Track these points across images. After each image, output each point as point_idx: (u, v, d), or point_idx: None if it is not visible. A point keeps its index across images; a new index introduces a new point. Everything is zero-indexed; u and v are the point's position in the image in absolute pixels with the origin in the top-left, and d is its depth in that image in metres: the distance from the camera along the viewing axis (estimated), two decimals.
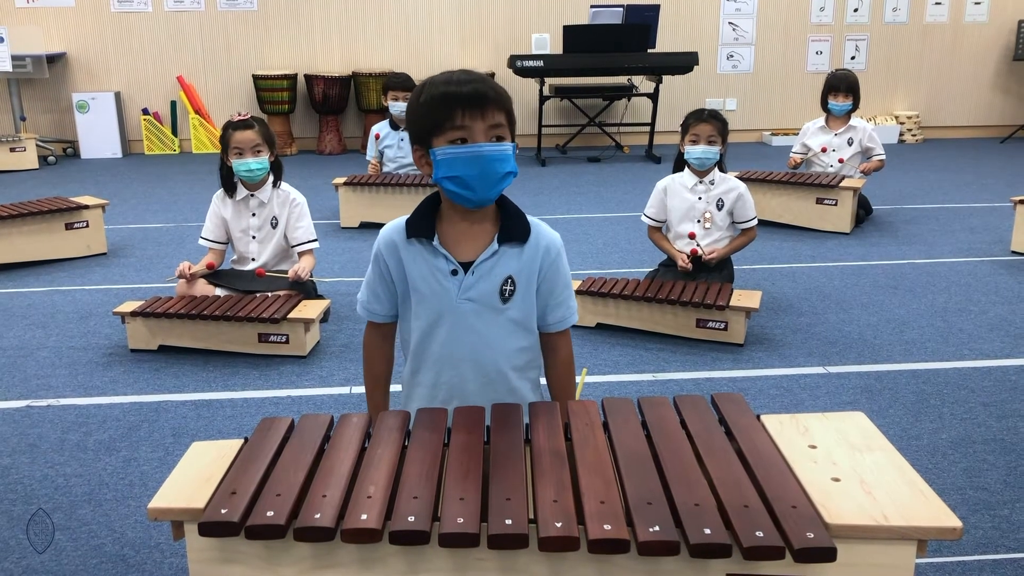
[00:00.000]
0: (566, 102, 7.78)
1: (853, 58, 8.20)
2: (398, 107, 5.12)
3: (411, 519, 1.16)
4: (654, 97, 7.33)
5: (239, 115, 3.52)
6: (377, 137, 5.25)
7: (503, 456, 1.31)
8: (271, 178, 3.54)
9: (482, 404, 1.55)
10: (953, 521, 1.16)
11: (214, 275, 3.53)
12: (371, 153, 5.29)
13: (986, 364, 3.13)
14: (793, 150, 5.31)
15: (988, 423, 2.68)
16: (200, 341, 3.25)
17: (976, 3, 8.20)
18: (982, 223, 5.11)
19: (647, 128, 7.53)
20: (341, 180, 5.10)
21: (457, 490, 1.22)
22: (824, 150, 5.14)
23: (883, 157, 5.13)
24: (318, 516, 1.20)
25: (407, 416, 1.50)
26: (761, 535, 1.11)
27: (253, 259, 3.56)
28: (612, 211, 5.57)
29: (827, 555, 1.09)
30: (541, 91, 7.18)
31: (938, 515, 1.17)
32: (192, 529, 1.24)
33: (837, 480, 1.26)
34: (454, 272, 1.68)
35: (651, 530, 1.12)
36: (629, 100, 7.75)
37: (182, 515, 1.26)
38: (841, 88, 5.08)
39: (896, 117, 8.21)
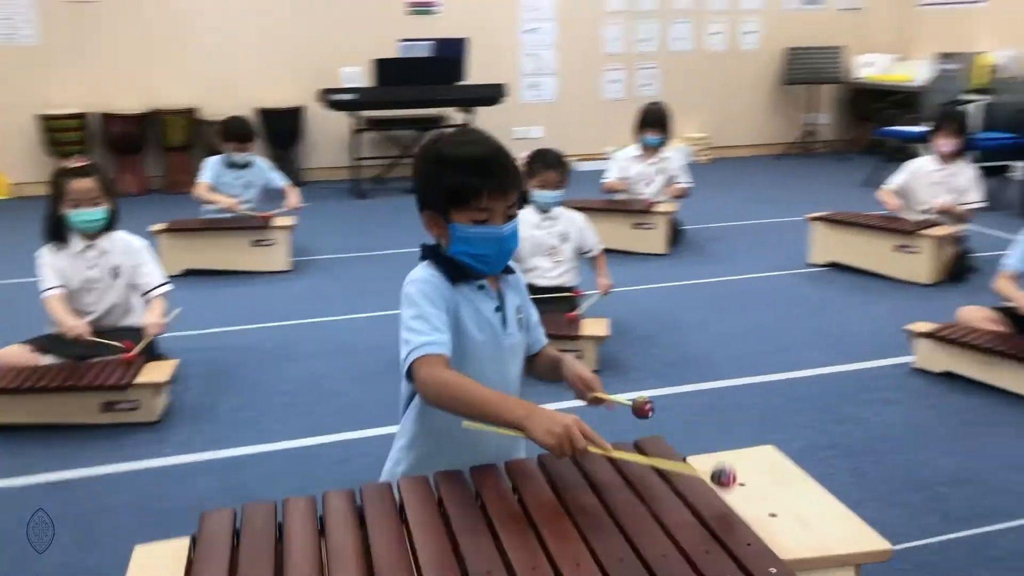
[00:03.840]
0: (379, 134, 7.78)
1: (645, 85, 8.73)
2: (244, 158, 5.04)
3: None
4: None
5: (76, 161, 3.30)
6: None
7: (467, 528, 1.33)
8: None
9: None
10: (883, 544, 1.31)
11: (41, 345, 3.27)
12: (207, 178, 5.04)
13: (813, 373, 3.45)
14: (609, 175, 5.57)
15: (828, 428, 2.96)
16: (36, 416, 3.01)
17: (748, 32, 8.96)
18: (777, 239, 5.59)
19: None
20: (161, 226, 4.86)
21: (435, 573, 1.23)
22: (654, 184, 5.45)
23: (690, 185, 5.51)
24: None
25: (351, 495, 1.48)
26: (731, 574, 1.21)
27: (91, 312, 3.33)
28: None
29: None
30: (356, 125, 7.15)
31: (870, 540, 1.32)
32: None
33: (774, 515, 1.39)
34: (497, 309, 1.74)
35: None
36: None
37: None
38: (653, 122, 5.41)
39: (688, 139, 8.82)
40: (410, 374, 1.64)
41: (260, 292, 4.61)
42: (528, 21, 8.23)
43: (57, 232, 3.32)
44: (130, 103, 7.32)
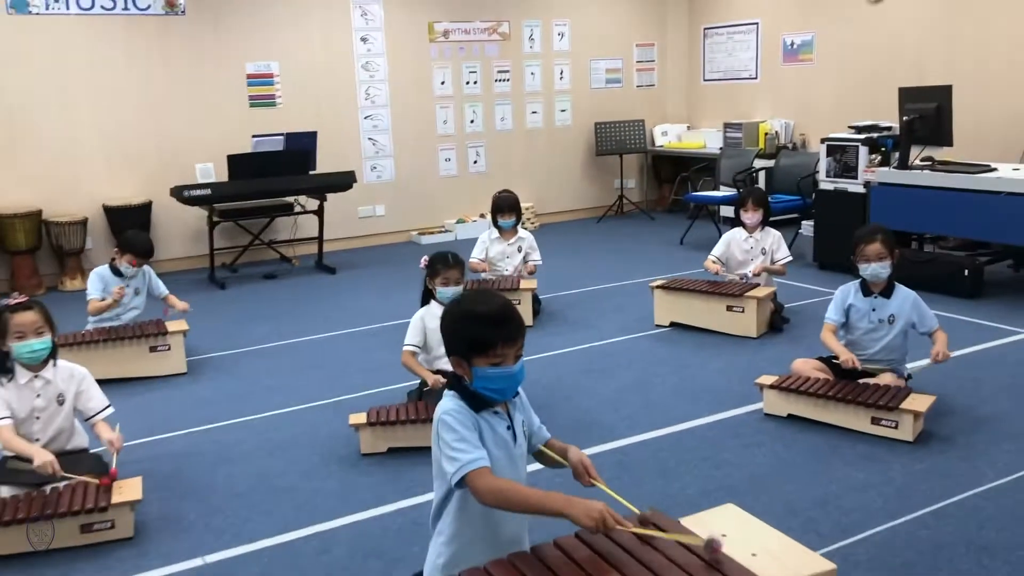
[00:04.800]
0: (231, 223, 8.00)
1: (475, 162, 9.46)
2: (131, 271, 5.25)
3: None
4: (320, 213, 7.86)
5: (14, 298, 3.50)
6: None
7: None
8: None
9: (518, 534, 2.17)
10: (830, 565, 1.94)
11: None
12: (97, 292, 5.18)
13: (688, 425, 4.15)
14: (476, 256, 6.14)
15: (712, 473, 3.65)
16: (13, 547, 3.17)
17: (562, 111, 9.91)
18: (624, 302, 6.38)
19: (315, 242, 8.04)
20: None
21: None
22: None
23: (540, 263, 6.20)
24: None
25: None
26: None
27: (37, 439, 3.51)
28: (324, 330, 5.99)
29: None
30: (211, 217, 7.36)
31: (821, 565, 1.95)
32: None
33: (755, 555, 1.99)
34: (508, 427, 2.23)
35: None
36: (296, 219, 8.19)
37: None
38: (505, 208, 6.09)
39: None
40: (461, 483, 2.13)
41: (168, 397, 4.82)
42: (365, 108, 8.75)
43: (2, 366, 3.49)
44: None
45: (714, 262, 5.82)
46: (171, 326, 5.15)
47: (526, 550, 2.15)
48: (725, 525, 2.13)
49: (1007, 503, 3.28)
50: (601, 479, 2.32)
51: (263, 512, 3.47)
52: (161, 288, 5.45)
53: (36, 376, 3.52)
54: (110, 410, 3.65)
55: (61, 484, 3.34)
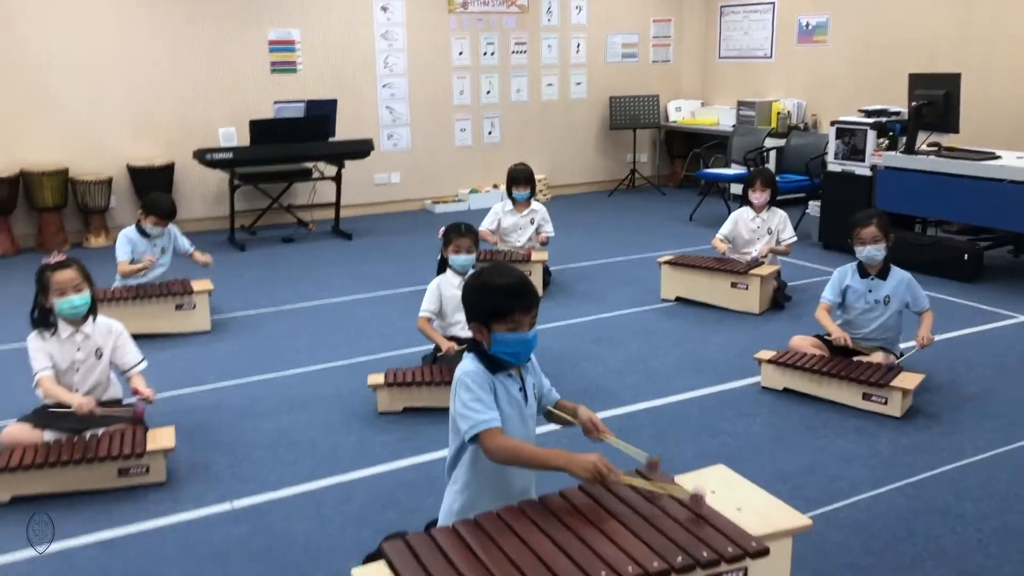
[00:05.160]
0: (250, 186, 8.20)
1: (490, 133, 9.61)
2: (157, 231, 5.47)
3: None
4: (337, 180, 8.06)
5: (55, 257, 3.72)
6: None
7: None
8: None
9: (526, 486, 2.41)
10: (806, 521, 2.16)
11: (38, 421, 3.66)
12: (126, 255, 5.41)
13: (688, 396, 4.36)
14: (487, 226, 6.33)
15: (708, 441, 3.87)
16: (56, 486, 3.42)
17: (577, 84, 10.05)
18: (632, 275, 6.58)
19: (332, 207, 8.24)
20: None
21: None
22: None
23: (552, 234, 6.40)
24: None
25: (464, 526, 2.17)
26: (730, 549, 2.02)
27: (76, 390, 3.74)
28: (342, 294, 6.21)
29: (764, 553, 2.02)
30: (232, 180, 7.57)
31: (799, 519, 2.17)
32: None
33: (740, 510, 2.21)
34: (520, 389, 2.45)
35: (678, 560, 1.97)
36: (314, 184, 8.39)
37: None
38: (520, 180, 6.27)
39: None
40: (474, 439, 2.35)
41: (194, 354, 5.05)
42: (383, 77, 8.90)
43: (44, 320, 3.72)
44: None
45: (722, 241, 6.00)
46: (196, 285, 5.37)
47: (535, 499, 2.38)
48: (715, 483, 2.35)
49: (984, 477, 3.49)
50: (610, 433, 2.54)
51: (287, 463, 3.71)
52: (186, 245, 5.68)
53: (77, 331, 3.74)
54: (144, 364, 3.88)
55: (100, 431, 3.59)
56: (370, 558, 2.34)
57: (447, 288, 4.49)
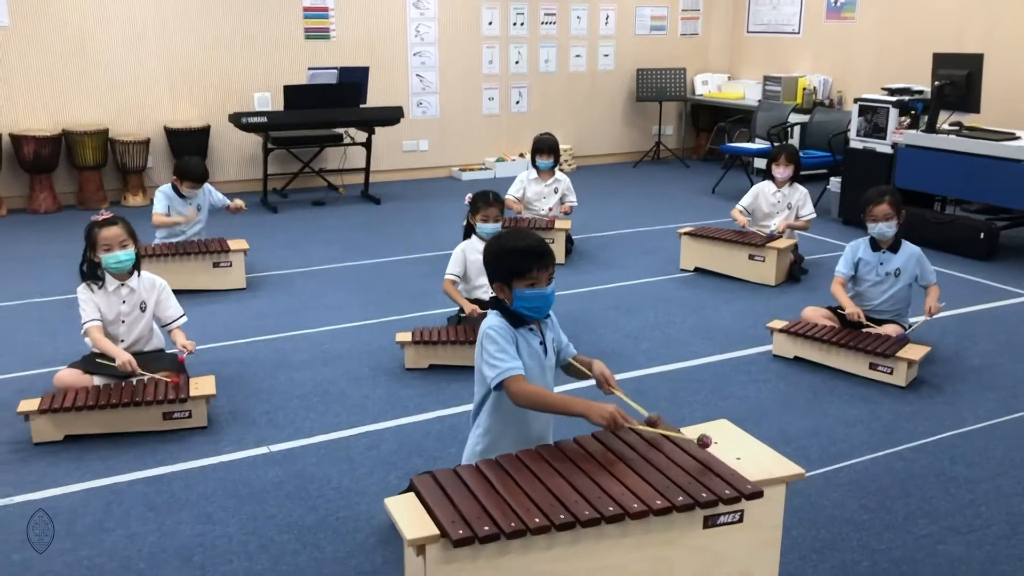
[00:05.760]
0: (283, 150, 8.42)
1: (518, 102, 9.76)
2: (193, 193, 5.69)
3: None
4: (367, 145, 8.26)
5: (102, 215, 3.95)
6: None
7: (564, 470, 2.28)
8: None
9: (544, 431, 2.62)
10: (800, 470, 2.35)
11: (87, 368, 3.91)
12: (163, 208, 5.65)
13: (701, 361, 4.55)
14: (512, 193, 6.52)
15: (719, 404, 4.05)
16: (105, 427, 3.67)
17: (605, 55, 10.15)
18: (653, 246, 6.74)
19: (362, 172, 8.45)
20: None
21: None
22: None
23: (575, 204, 6.57)
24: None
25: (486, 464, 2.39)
26: (727, 492, 2.21)
27: (122, 340, 3.99)
28: (371, 256, 6.43)
29: (759, 495, 2.22)
30: (265, 144, 7.78)
31: (792, 468, 2.36)
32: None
33: (739, 459, 2.40)
34: (540, 343, 2.65)
35: (679, 499, 2.18)
36: (345, 150, 8.59)
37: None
38: (544, 149, 6.44)
39: None
40: (499, 387, 2.55)
41: (230, 309, 5.29)
42: (414, 45, 9.06)
43: (92, 274, 3.96)
44: (40, 124, 7.64)
45: (741, 212, 6.15)
46: (232, 244, 5.60)
47: (551, 444, 2.58)
48: (719, 435, 2.54)
49: (981, 444, 3.66)
50: (619, 388, 2.74)
51: (319, 412, 3.94)
52: (221, 199, 5.92)
53: (123, 285, 3.98)
54: (185, 319, 4.12)
55: (145, 376, 3.83)
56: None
57: (472, 253, 4.69)
